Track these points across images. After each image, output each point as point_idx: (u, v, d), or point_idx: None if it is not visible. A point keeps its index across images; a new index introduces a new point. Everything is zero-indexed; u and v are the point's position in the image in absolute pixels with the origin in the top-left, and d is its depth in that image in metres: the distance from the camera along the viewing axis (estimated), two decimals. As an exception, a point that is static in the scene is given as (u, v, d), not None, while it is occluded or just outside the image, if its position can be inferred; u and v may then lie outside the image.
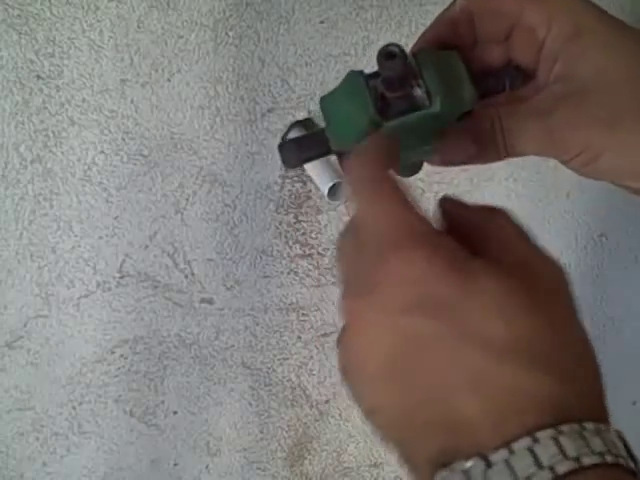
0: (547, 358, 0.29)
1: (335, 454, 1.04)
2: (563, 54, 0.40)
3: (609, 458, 0.27)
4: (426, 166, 0.44)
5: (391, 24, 0.75)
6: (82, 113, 0.68)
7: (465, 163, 0.42)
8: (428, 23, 0.43)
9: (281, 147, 0.42)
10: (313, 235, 0.86)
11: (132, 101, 0.69)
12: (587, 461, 0.27)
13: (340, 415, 1.01)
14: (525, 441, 0.27)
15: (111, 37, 0.66)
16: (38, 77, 0.65)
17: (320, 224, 0.85)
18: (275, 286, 0.87)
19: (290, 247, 0.85)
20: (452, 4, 0.42)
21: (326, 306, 0.91)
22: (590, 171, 0.40)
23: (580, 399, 0.29)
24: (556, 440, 0.27)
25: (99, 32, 0.65)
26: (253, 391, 0.93)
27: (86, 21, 0.64)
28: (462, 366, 0.29)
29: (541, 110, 0.40)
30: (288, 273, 0.86)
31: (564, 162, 0.41)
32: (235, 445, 0.96)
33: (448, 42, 0.42)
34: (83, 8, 0.64)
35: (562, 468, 0.27)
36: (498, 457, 0.27)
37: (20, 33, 0.63)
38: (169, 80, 0.70)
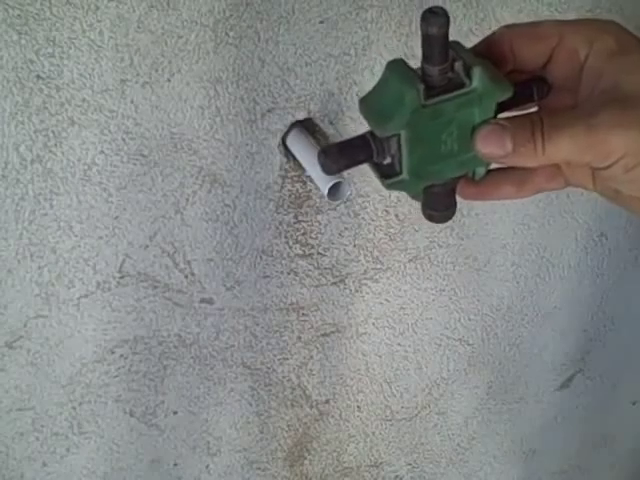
0: None
1: (335, 454, 1.04)
2: (608, 69, 0.41)
3: None
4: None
5: (391, 24, 0.75)
6: (82, 113, 0.68)
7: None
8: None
9: (323, 154, 0.42)
10: (313, 235, 0.86)
11: (132, 101, 0.69)
12: None
13: (340, 415, 1.01)
14: None
15: (111, 37, 0.66)
16: (38, 77, 0.65)
17: (320, 224, 0.85)
18: (275, 286, 0.87)
19: (290, 247, 0.85)
20: (492, 34, 0.44)
21: (326, 306, 0.91)
22: (626, 180, 0.40)
23: None
24: None
25: (99, 32, 0.65)
26: (253, 391, 0.93)
27: (86, 21, 0.64)
28: None
29: (584, 112, 0.40)
30: (288, 273, 0.86)
31: (602, 170, 0.41)
32: (235, 445, 0.96)
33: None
34: (83, 8, 0.64)
35: None
36: None
37: (20, 33, 0.63)
38: (169, 80, 0.70)
